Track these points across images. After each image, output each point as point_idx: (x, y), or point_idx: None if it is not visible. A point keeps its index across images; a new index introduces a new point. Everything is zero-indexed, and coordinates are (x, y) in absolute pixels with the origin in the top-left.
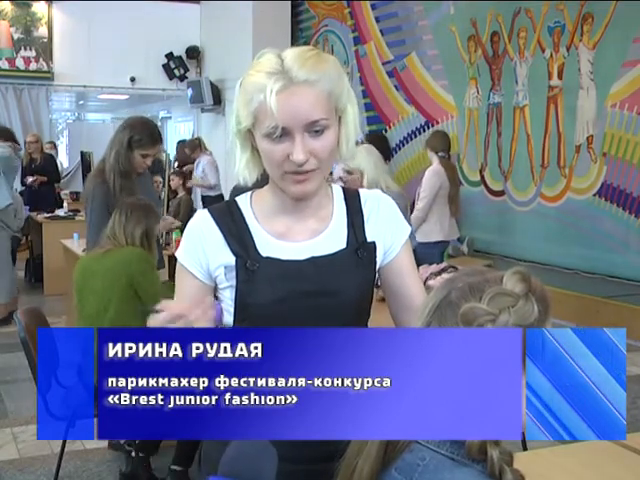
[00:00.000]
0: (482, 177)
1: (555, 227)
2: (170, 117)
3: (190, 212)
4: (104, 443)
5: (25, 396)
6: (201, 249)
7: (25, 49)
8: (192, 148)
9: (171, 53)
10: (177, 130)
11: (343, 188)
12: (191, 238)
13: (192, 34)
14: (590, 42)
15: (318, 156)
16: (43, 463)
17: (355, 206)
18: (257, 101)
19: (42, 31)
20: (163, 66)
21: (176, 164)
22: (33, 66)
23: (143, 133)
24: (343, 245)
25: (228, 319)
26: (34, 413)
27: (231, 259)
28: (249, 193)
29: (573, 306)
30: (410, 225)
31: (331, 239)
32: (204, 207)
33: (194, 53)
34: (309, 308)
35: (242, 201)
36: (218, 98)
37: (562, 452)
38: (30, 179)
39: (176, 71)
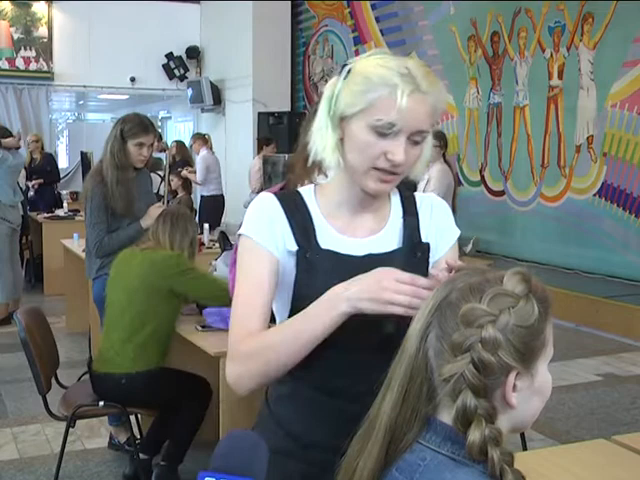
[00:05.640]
0: (482, 177)
1: (555, 227)
2: (170, 117)
3: (190, 212)
4: (104, 443)
5: (25, 396)
6: (273, 230)
7: (25, 49)
8: (194, 139)
9: (171, 53)
10: (177, 130)
11: (400, 190)
12: (262, 218)
13: (192, 34)
14: (590, 42)
15: (408, 163)
16: (43, 463)
17: (411, 208)
18: (379, 93)
19: (42, 31)
20: (163, 66)
21: (170, 160)
22: (33, 66)
23: (133, 123)
24: (399, 244)
25: (283, 307)
26: (34, 413)
27: (294, 247)
28: (312, 186)
29: (573, 306)
30: None
31: (388, 238)
32: (201, 207)
33: (194, 53)
34: None
35: (306, 193)
36: (218, 98)
37: (562, 452)
38: (30, 183)
39: (176, 71)
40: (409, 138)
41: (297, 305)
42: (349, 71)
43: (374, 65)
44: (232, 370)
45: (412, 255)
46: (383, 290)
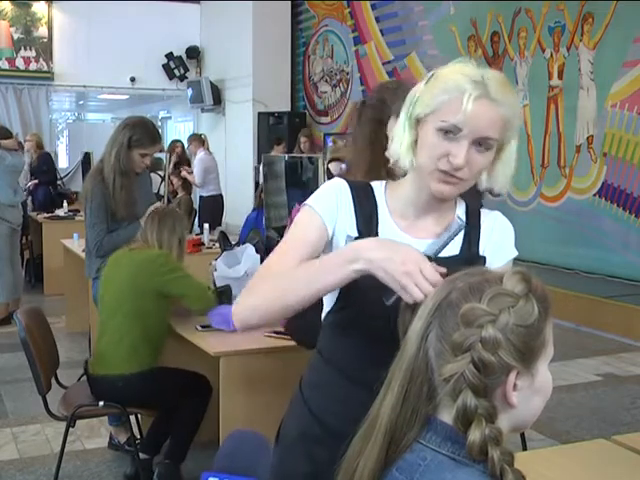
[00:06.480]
0: None
1: (555, 227)
2: (170, 117)
3: (190, 212)
4: (104, 443)
5: (25, 396)
6: (336, 210)
7: (25, 49)
8: (191, 140)
9: (171, 53)
10: (177, 130)
11: (466, 202)
12: (330, 198)
13: (192, 34)
14: (590, 42)
15: (472, 169)
16: (43, 463)
17: (474, 220)
18: (449, 96)
19: (42, 31)
20: (163, 66)
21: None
22: (33, 66)
23: (143, 133)
24: (456, 252)
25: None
26: (34, 413)
27: (354, 233)
28: (383, 182)
29: (573, 306)
30: None
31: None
32: (201, 207)
33: (194, 53)
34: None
35: (377, 187)
36: (218, 98)
37: (562, 452)
38: (28, 183)
39: (176, 71)
40: (473, 143)
41: (343, 289)
42: (432, 76)
43: (454, 71)
44: (240, 302)
45: (466, 265)
46: (405, 274)
